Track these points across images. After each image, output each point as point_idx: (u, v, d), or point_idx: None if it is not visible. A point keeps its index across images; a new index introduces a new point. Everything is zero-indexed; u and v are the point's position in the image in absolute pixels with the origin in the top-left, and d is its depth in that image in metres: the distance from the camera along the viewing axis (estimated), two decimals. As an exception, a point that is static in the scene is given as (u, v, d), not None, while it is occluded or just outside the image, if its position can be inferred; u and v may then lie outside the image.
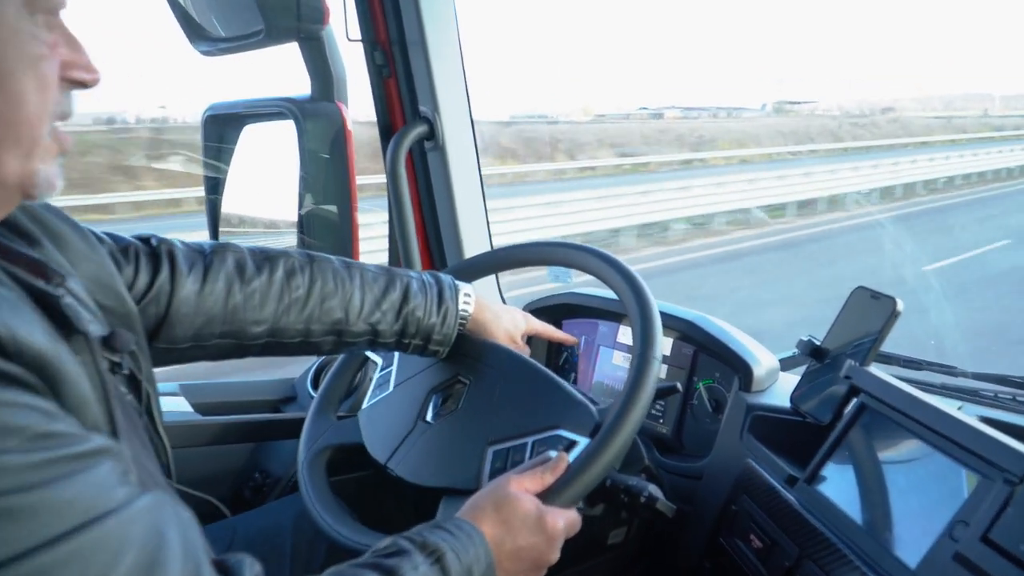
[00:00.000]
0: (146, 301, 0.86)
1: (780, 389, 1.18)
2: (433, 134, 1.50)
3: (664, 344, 1.10)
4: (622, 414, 0.88)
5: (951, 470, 0.81)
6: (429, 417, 1.06)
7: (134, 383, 0.73)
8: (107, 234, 0.86)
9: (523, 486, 0.84)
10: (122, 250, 0.86)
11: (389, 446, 1.06)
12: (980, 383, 1.15)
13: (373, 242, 1.64)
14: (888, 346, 1.05)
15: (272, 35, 1.23)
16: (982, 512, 0.74)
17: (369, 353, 1.20)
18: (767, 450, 1.06)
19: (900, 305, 1.01)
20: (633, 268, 1.03)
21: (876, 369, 1.00)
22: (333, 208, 1.39)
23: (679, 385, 1.04)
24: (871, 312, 1.04)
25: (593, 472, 0.87)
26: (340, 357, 1.24)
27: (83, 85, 0.62)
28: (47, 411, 0.50)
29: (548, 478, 0.86)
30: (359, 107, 1.56)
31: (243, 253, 0.95)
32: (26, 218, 0.67)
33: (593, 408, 0.94)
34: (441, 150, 1.52)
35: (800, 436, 1.06)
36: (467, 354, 1.08)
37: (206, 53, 1.35)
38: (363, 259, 1.09)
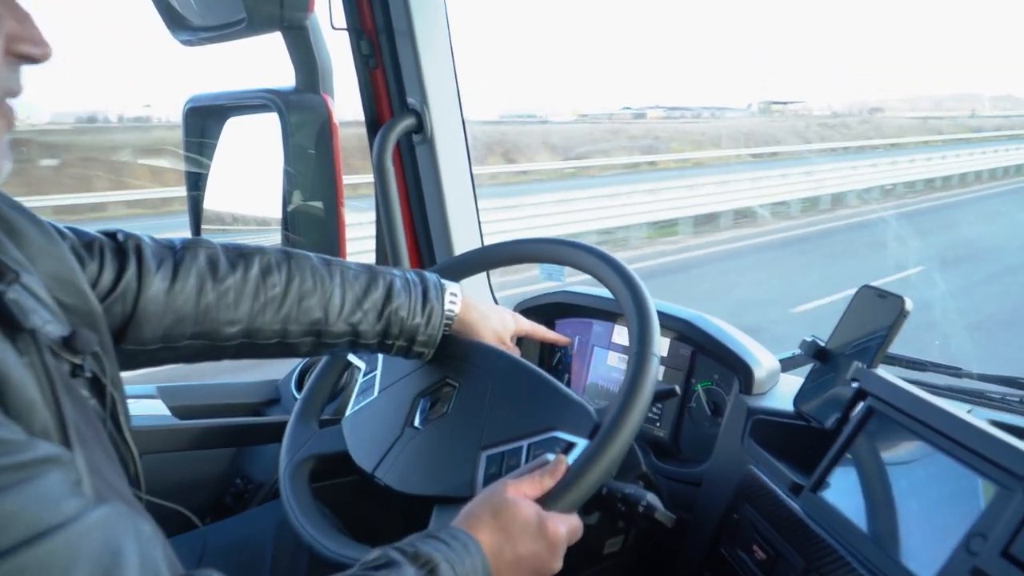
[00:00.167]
0: (111, 299, 0.81)
1: (781, 391, 1.15)
2: (421, 127, 1.45)
3: (661, 344, 1.07)
4: (622, 412, 0.84)
5: (966, 479, 0.77)
6: (417, 422, 1.02)
7: (98, 386, 0.68)
8: (70, 228, 0.81)
9: (521, 491, 0.80)
10: (85, 245, 0.81)
11: (376, 454, 1.01)
12: (986, 385, 1.12)
13: (366, 242, 1.60)
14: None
15: (255, 24, 1.18)
16: (1002, 525, 0.69)
17: (352, 357, 1.15)
18: (769, 456, 1.03)
19: (909, 304, 0.97)
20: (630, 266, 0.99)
21: (884, 371, 0.96)
22: (319, 204, 1.35)
23: (677, 388, 1.01)
24: (877, 312, 1.00)
25: (594, 474, 0.83)
26: (323, 359, 1.19)
27: (32, 60, 0.58)
28: None
29: (547, 482, 0.82)
30: (353, 105, 1.51)
31: (216, 249, 0.91)
32: None
33: (591, 408, 0.90)
34: (430, 143, 1.47)
35: (803, 441, 1.02)
36: (454, 356, 1.03)
37: (187, 43, 1.30)
38: (354, 259, 1.04)
